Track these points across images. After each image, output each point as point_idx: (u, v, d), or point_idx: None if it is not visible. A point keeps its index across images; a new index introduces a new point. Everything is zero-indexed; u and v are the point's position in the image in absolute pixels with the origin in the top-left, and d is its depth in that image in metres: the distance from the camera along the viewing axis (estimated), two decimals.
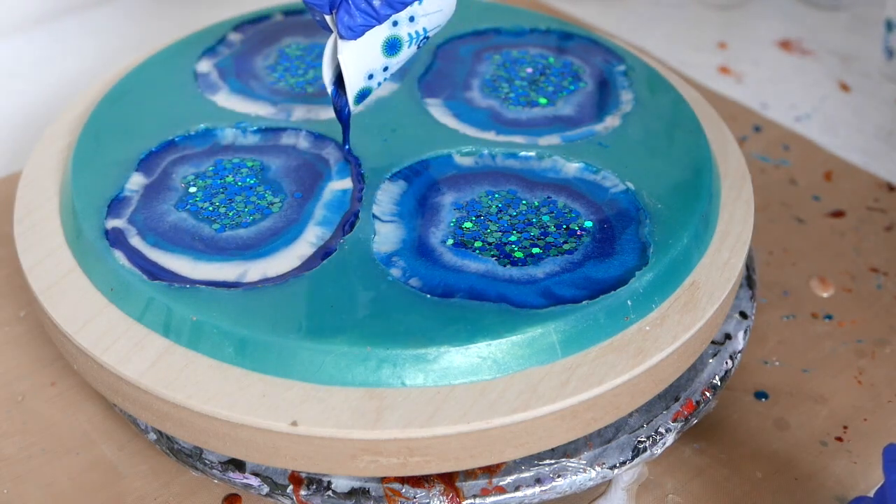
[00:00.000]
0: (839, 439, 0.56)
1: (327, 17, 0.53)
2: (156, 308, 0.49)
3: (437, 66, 0.65)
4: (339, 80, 0.56)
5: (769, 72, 0.85)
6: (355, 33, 0.53)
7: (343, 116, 0.57)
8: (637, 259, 0.52)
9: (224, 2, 0.83)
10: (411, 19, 0.55)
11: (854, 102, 0.82)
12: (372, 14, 0.52)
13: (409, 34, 0.55)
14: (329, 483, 0.49)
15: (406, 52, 0.56)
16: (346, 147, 0.58)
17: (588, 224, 0.54)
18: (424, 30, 0.56)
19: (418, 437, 0.45)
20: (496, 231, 0.53)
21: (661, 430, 0.52)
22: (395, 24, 0.54)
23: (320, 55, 0.66)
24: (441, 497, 0.49)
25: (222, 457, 0.50)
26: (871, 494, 0.45)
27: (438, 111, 0.62)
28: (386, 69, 0.56)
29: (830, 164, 0.75)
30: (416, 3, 0.54)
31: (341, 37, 0.53)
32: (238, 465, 0.50)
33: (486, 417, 0.46)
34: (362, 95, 0.56)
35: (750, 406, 0.58)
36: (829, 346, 0.61)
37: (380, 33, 0.54)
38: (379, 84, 0.57)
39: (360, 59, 0.55)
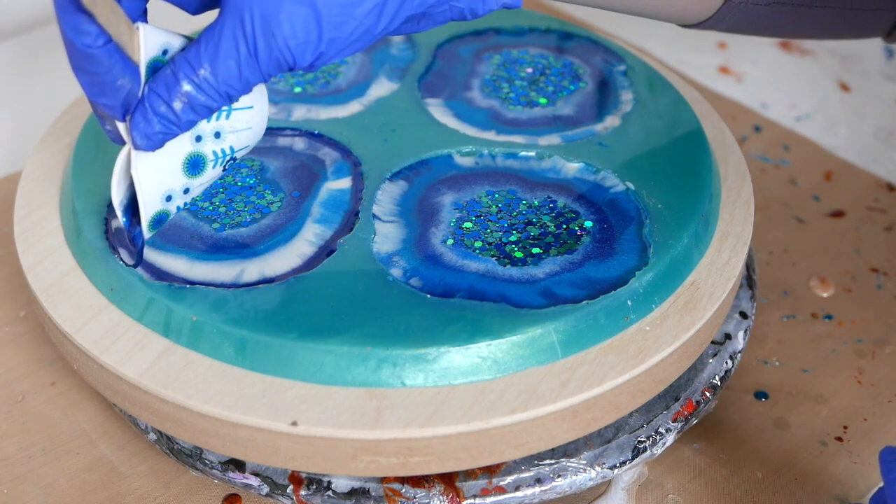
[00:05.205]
0: (839, 439, 0.56)
1: (120, 126, 0.45)
2: (156, 308, 0.49)
3: (437, 66, 0.65)
4: (130, 205, 0.48)
5: (769, 72, 0.85)
6: (153, 143, 0.45)
7: (138, 246, 0.49)
8: (637, 259, 0.52)
9: None
10: (217, 135, 0.48)
11: (854, 102, 0.82)
12: (172, 119, 0.44)
13: (215, 152, 0.48)
14: (329, 483, 0.49)
15: (210, 174, 0.49)
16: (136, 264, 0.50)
17: (588, 224, 0.54)
18: (231, 148, 0.49)
19: (418, 437, 0.45)
20: (496, 231, 0.53)
21: (661, 430, 0.52)
22: (198, 139, 0.47)
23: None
24: (441, 497, 0.49)
25: (222, 457, 0.50)
26: (867, 501, 0.45)
27: (438, 111, 0.61)
28: (187, 191, 0.49)
29: (830, 164, 0.75)
30: (222, 116, 0.47)
31: (136, 147, 0.45)
32: (238, 465, 0.50)
33: (486, 417, 0.46)
34: (159, 221, 0.49)
35: (750, 406, 0.58)
36: (829, 346, 0.61)
37: (181, 149, 0.47)
38: (178, 209, 0.49)
39: (157, 177, 0.47)
